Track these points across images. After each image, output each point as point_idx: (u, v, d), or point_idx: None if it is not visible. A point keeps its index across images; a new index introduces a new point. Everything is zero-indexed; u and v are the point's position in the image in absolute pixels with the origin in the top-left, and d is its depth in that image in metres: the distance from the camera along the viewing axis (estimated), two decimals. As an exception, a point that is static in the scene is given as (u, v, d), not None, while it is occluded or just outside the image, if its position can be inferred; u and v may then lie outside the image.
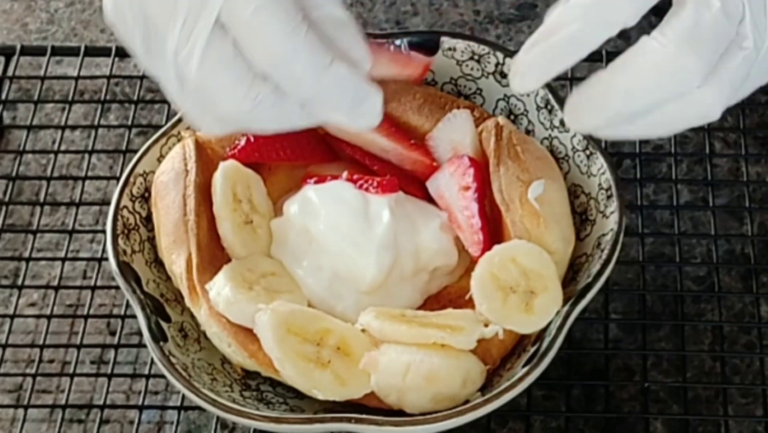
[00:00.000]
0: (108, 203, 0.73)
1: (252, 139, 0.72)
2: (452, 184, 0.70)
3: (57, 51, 0.89)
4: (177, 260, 0.68)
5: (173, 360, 0.66)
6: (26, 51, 0.89)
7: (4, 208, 0.82)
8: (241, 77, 0.57)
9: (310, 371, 0.64)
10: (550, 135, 0.73)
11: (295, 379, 0.64)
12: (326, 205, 0.69)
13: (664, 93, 0.58)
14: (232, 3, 0.56)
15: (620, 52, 0.87)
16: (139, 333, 0.72)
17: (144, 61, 0.60)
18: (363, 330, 0.66)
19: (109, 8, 0.60)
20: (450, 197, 0.70)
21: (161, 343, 0.66)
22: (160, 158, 0.73)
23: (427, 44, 0.76)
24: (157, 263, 0.71)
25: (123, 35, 0.60)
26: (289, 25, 0.56)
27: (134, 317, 0.68)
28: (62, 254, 0.79)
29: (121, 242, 0.70)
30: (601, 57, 0.85)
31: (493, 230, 0.69)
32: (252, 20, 0.56)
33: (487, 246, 0.67)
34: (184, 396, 0.71)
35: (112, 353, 0.75)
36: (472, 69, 0.76)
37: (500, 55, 0.75)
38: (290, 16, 0.56)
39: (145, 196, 0.72)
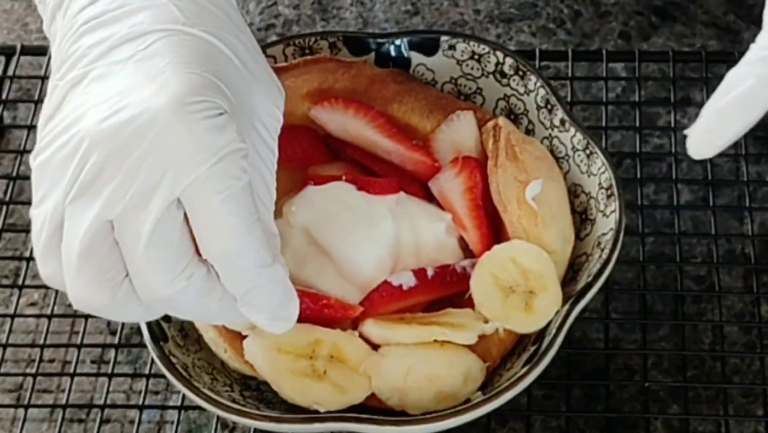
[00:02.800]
0: (108, 203, 0.73)
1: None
2: (456, 185, 0.70)
3: (57, 51, 0.89)
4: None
5: (173, 360, 0.66)
6: (27, 51, 0.89)
7: (4, 207, 0.82)
8: (182, 255, 0.55)
9: (307, 386, 0.64)
10: (550, 135, 0.73)
11: (294, 397, 0.64)
12: (327, 207, 0.69)
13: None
14: (198, 187, 0.54)
15: (621, 51, 0.88)
16: (140, 333, 0.72)
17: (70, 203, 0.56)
18: (359, 335, 0.66)
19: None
20: (453, 198, 0.70)
21: (161, 343, 0.66)
22: (161, 158, 0.73)
23: (427, 44, 0.76)
24: (158, 262, 0.71)
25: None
26: (250, 219, 0.55)
27: (134, 316, 0.68)
28: (63, 254, 0.79)
29: (121, 241, 0.70)
30: (601, 57, 0.85)
31: (496, 231, 0.69)
32: (217, 208, 0.54)
33: (491, 246, 0.67)
34: (184, 396, 0.71)
35: (112, 352, 0.75)
36: (472, 68, 0.76)
37: (500, 55, 0.75)
38: (251, 211, 0.56)
39: (146, 196, 0.72)
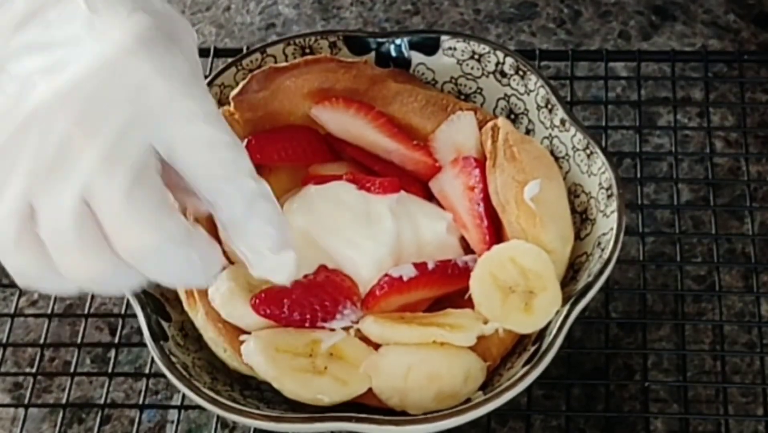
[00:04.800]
0: (108, 203, 0.73)
1: (253, 140, 0.71)
2: (457, 185, 0.70)
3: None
4: (176, 262, 0.68)
5: (174, 359, 0.66)
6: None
7: (4, 207, 0.82)
8: (164, 200, 0.54)
9: (309, 380, 0.64)
10: (550, 134, 0.73)
11: (298, 391, 0.64)
12: (327, 206, 0.69)
13: None
14: (177, 112, 0.53)
15: (621, 51, 0.88)
16: (140, 332, 0.72)
17: None
18: (358, 334, 0.66)
19: None
20: (455, 198, 0.70)
21: (161, 342, 0.66)
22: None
23: (427, 43, 0.76)
24: (158, 262, 0.71)
25: None
26: (162, 212, 0.54)
27: (135, 316, 0.68)
28: (63, 254, 0.79)
29: (121, 241, 0.70)
30: (601, 56, 0.85)
31: (497, 230, 0.69)
32: (202, 126, 0.54)
33: (493, 246, 0.67)
34: (184, 395, 0.71)
35: (112, 352, 0.75)
36: (472, 68, 0.76)
37: (500, 55, 0.75)
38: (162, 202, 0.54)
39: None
